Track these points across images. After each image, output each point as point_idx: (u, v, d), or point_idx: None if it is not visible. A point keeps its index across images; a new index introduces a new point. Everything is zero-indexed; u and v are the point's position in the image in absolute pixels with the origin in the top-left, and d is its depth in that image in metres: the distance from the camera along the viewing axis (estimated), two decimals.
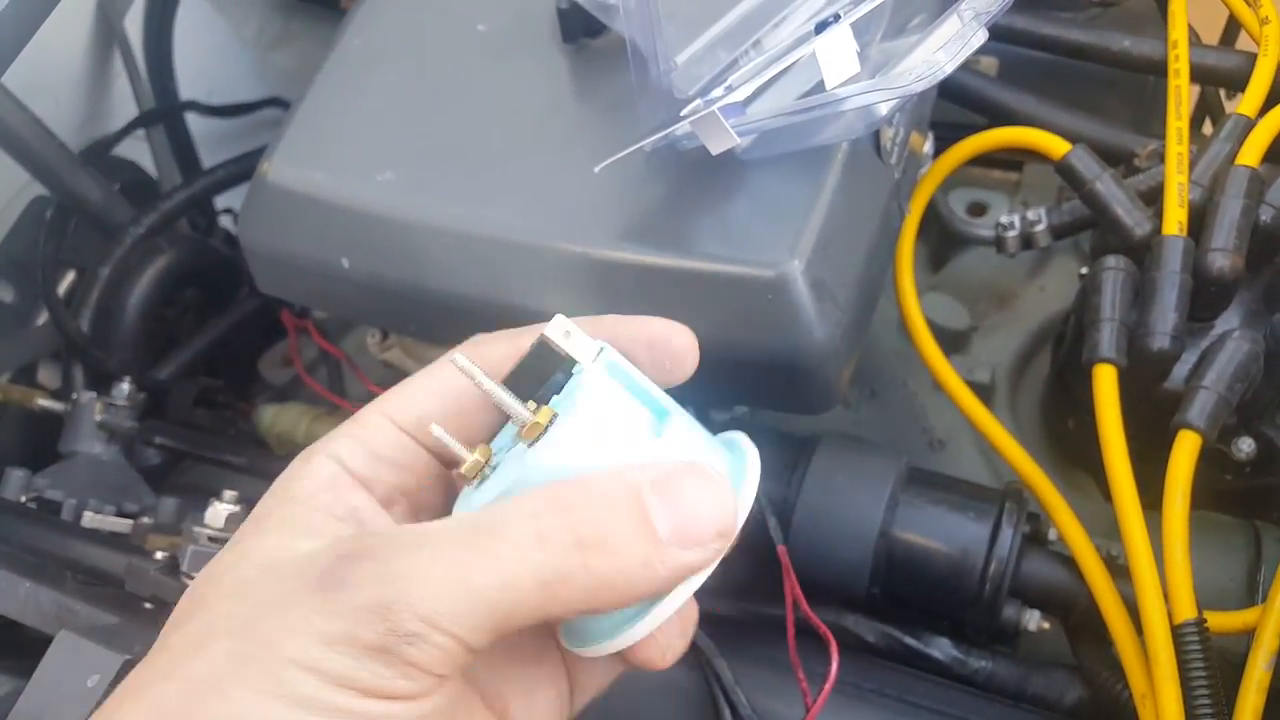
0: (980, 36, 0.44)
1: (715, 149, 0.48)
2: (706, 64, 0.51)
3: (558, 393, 0.38)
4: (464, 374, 0.37)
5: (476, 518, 0.34)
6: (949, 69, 0.43)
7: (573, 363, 0.38)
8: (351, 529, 0.37)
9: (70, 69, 0.92)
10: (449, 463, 0.40)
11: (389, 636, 0.30)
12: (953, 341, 0.80)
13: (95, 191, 0.89)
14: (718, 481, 0.36)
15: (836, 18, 0.46)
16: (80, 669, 0.48)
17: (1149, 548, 0.54)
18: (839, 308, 0.53)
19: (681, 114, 0.48)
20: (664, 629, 0.38)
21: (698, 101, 0.48)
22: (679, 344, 0.41)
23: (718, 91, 0.48)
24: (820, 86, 0.47)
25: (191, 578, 0.57)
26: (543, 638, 0.41)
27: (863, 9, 0.47)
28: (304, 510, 0.37)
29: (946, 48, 0.43)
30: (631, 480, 0.34)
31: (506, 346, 0.41)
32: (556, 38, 0.60)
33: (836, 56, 0.44)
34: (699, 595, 0.39)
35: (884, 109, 0.47)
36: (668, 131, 0.49)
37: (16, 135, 0.81)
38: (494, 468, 0.38)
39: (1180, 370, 0.61)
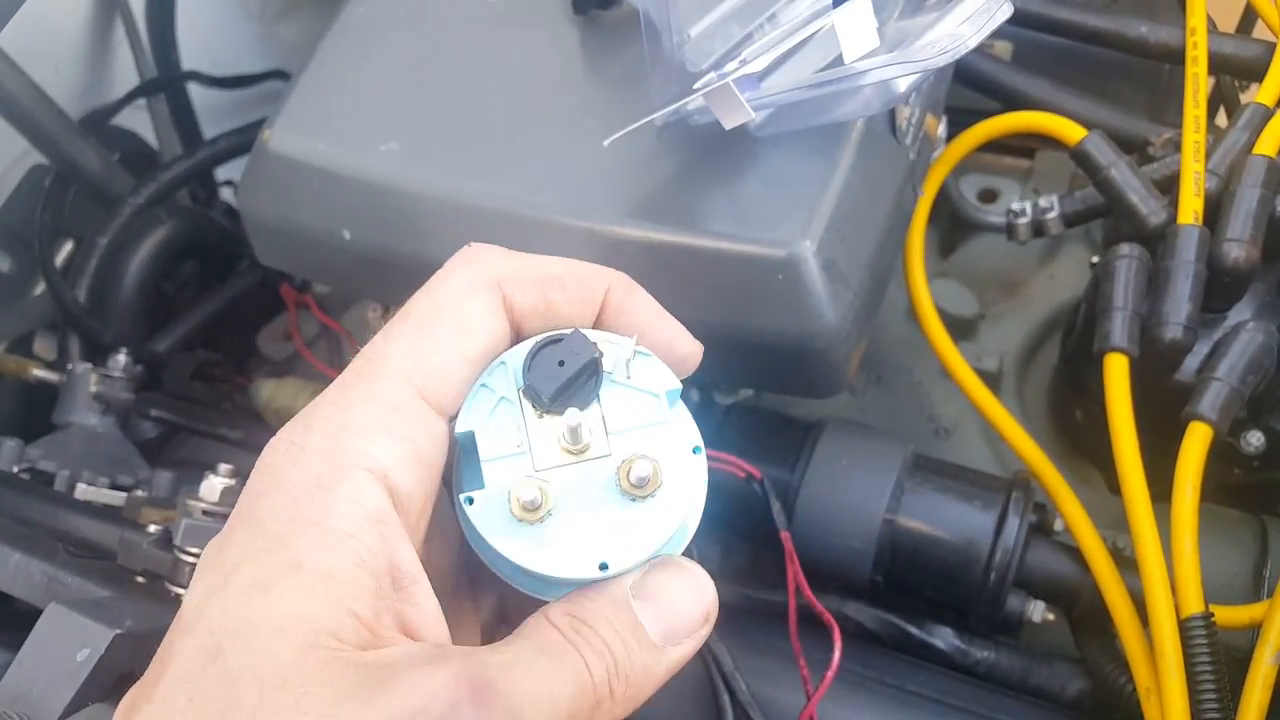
0: (1005, 10, 0.43)
1: (728, 123, 0.47)
2: (720, 38, 0.50)
3: (585, 395, 0.36)
4: None
5: (555, 643, 0.33)
6: (973, 43, 0.42)
7: (598, 364, 0.36)
8: (381, 597, 0.31)
9: (71, 36, 0.91)
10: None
11: None
12: (961, 329, 0.80)
13: (94, 161, 0.88)
14: (689, 568, 0.36)
15: None
16: (70, 642, 0.47)
17: (1157, 540, 0.54)
18: (850, 289, 0.52)
19: (694, 87, 0.47)
20: None
21: (711, 75, 0.47)
22: (691, 364, 0.39)
23: (732, 65, 0.47)
24: (837, 61, 0.46)
25: (186, 552, 0.56)
26: None
27: None
28: (334, 556, 0.31)
29: (971, 21, 0.42)
30: (619, 597, 0.35)
31: (534, 298, 0.37)
32: (567, 9, 0.59)
33: (856, 29, 0.43)
34: None
35: (903, 85, 0.46)
36: (680, 105, 0.48)
37: (16, 102, 0.80)
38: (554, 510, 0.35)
39: (1192, 361, 0.60)
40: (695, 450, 0.36)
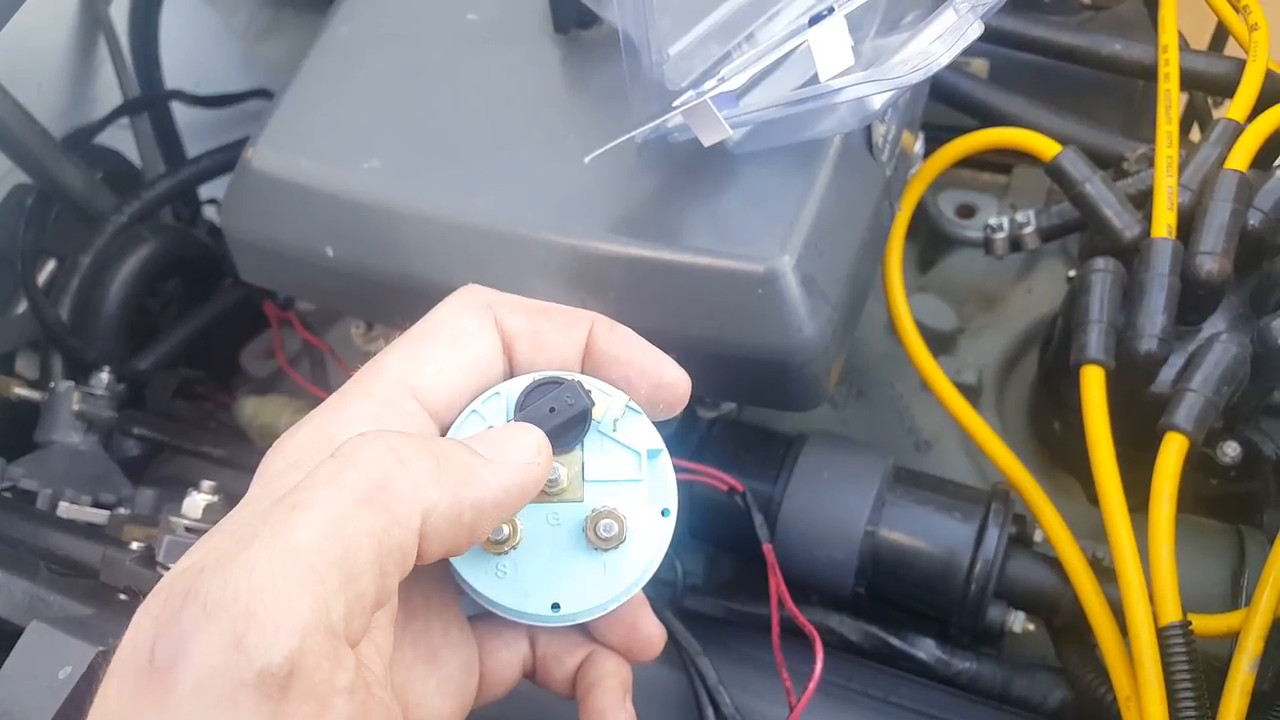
0: (976, 29, 0.44)
1: (707, 141, 0.48)
2: (699, 57, 0.51)
3: (570, 441, 0.38)
4: None
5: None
6: (945, 60, 0.43)
7: (588, 415, 0.38)
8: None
9: (54, 56, 0.91)
10: None
11: None
12: (940, 343, 0.80)
13: (77, 179, 0.88)
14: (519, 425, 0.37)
15: (830, 10, 0.45)
16: (52, 660, 0.47)
17: (1135, 550, 0.54)
18: (829, 304, 0.52)
19: (673, 105, 0.48)
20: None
21: (690, 93, 0.48)
22: (681, 391, 0.40)
23: (710, 83, 0.48)
24: (814, 80, 0.47)
25: (168, 569, 0.56)
26: (449, 626, 0.40)
27: (856, 2, 0.46)
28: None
29: (943, 39, 0.43)
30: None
31: (523, 323, 0.39)
32: (548, 28, 0.60)
33: (831, 48, 0.44)
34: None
35: (878, 102, 0.47)
36: (659, 122, 0.49)
37: None
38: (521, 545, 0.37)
39: (1167, 373, 0.61)
40: (664, 513, 0.38)
